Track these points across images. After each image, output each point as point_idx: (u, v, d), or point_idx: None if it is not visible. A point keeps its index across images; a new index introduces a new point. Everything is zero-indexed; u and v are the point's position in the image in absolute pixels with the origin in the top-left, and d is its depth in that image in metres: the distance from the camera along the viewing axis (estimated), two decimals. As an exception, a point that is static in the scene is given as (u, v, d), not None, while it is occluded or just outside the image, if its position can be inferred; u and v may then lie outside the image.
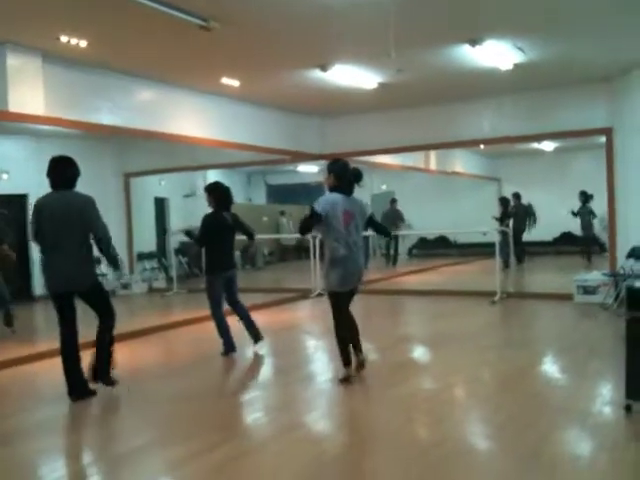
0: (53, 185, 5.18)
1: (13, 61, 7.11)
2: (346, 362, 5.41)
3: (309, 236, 11.93)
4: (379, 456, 3.92)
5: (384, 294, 11.00)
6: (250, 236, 7.02)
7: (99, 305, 5.33)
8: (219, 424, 4.64)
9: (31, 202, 11.48)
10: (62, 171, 5.16)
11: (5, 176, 11.60)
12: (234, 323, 6.87)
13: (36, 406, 5.24)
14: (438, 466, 3.62)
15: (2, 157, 11.55)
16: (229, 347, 6.73)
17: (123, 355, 7.01)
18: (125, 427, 4.74)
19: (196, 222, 15.88)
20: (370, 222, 5.61)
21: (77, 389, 5.18)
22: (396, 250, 16.49)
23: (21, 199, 11.57)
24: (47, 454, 4.25)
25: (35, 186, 11.58)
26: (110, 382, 5.38)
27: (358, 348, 5.61)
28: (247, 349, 6.91)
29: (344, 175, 5.40)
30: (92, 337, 5.38)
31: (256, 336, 6.85)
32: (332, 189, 5.40)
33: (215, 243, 6.65)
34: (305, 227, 5.40)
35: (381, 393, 5.23)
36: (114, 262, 5.36)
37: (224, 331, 6.74)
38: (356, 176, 5.48)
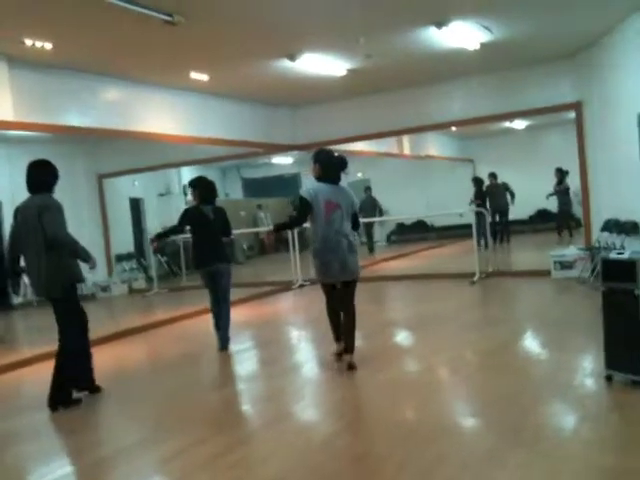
0: (28, 189, 5.11)
1: (-22, 68, 7.01)
2: (335, 338, 5.62)
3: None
4: (368, 439, 3.97)
5: (365, 281, 10.99)
6: (225, 234, 6.85)
7: (59, 318, 5.11)
8: (207, 418, 4.66)
9: (4, 210, 11.48)
10: (33, 175, 5.09)
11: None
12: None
13: (23, 411, 5.21)
14: (425, 445, 3.67)
15: (-29, 165, 11.39)
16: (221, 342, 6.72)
17: (107, 357, 7.01)
18: (114, 427, 4.73)
19: (171, 221, 15.80)
20: (353, 216, 5.47)
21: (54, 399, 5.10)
22: (371, 238, 16.50)
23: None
24: (36, 458, 4.23)
25: (8, 193, 11.57)
26: (71, 402, 5.16)
27: (347, 348, 5.43)
28: (234, 344, 6.89)
29: (329, 164, 5.38)
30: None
31: (222, 343, 6.72)
32: (318, 179, 5.39)
33: (195, 237, 6.71)
34: (297, 218, 5.49)
35: (367, 378, 5.26)
36: (80, 256, 5.06)
37: (215, 326, 6.76)
38: (341, 164, 5.43)
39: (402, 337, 7.18)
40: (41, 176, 5.09)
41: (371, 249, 16.31)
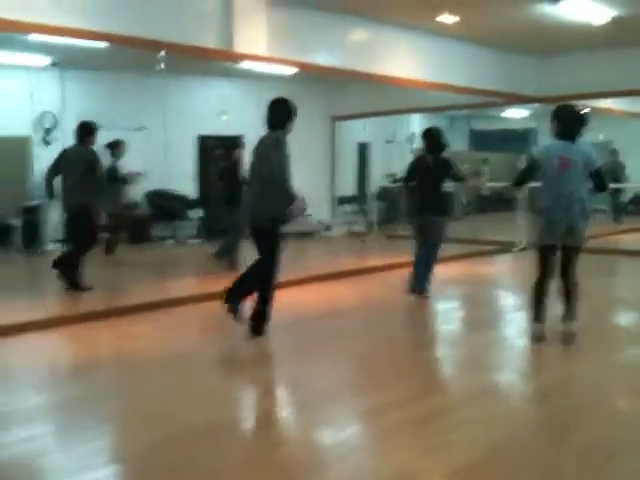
0: (267, 126, 5.33)
1: (240, 1, 7.34)
2: (534, 318, 5.10)
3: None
4: (595, 426, 3.57)
5: (595, 253, 10.06)
6: (459, 180, 7.07)
7: (266, 246, 5.23)
8: (414, 376, 4.54)
9: (246, 143, 12.29)
10: (271, 112, 5.29)
11: (225, 117, 12.27)
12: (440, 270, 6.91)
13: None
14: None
15: (222, 98, 12.27)
16: (411, 287, 6.75)
17: (322, 294, 7.27)
18: (321, 367, 4.75)
19: (395, 169, 15.78)
20: (593, 174, 4.99)
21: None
22: (617, 205, 15.02)
23: (237, 140, 12.24)
24: (245, 385, 4.47)
25: (251, 127, 12.30)
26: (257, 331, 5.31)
27: (565, 315, 5.04)
28: (443, 301, 6.76)
29: (567, 120, 5.02)
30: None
31: (418, 282, 6.74)
32: (556, 136, 5.06)
33: (417, 186, 6.86)
34: (520, 178, 5.33)
35: (592, 360, 4.79)
36: (287, 197, 5.10)
37: (413, 272, 6.78)
38: (581, 120, 5.02)
39: (634, 319, 6.47)
40: (277, 114, 5.28)
41: (617, 218, 14.89)
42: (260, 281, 5.33)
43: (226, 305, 5.35)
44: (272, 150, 5.11)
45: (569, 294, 5.03)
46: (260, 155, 5.22)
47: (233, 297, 5.35)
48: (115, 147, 9.04)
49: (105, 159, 8.91)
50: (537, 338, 5.08)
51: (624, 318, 6.56)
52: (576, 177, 4.88)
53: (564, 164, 4.88)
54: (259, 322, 5.28)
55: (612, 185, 13.18)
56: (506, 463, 3.11)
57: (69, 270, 6.93)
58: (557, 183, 4.91)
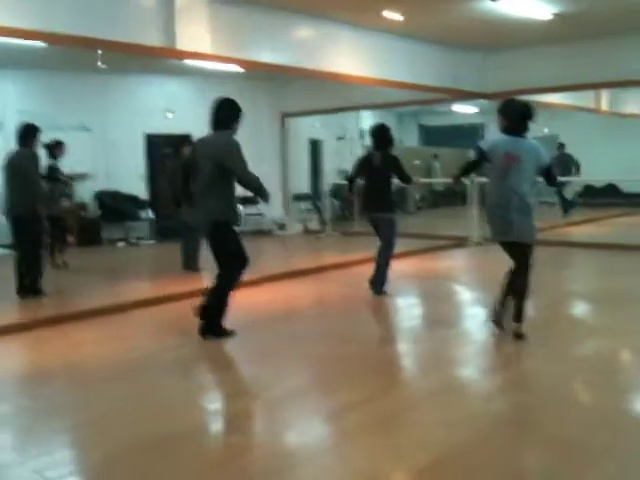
0: (210, 125, 5.20)
1: (181, 0, 7.21)
2: (497, 299, 5.19)
3: (467, 180, 11.43)
4: (557, 420, 3.59)
5: (547, 245, 10.25)
6: (404, 181, 6.89)
7: (217, 250, 5.14)
8: (376, 374, 4.49)
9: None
10: (216, 112, 5.16)
11: (170, 115, 12.04)
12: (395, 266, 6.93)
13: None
14: (624, 436, 3.27)
15: (168, 96, 12.06)
16: (373, 286, 6.77)
17: (278, 294, 7.17)
18: (281, 368, 4.65)
19: (348, 165, 15.78)
20: (544, 170, 5.01)
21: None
22: (564, 198, 15.39)
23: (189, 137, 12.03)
24: (205, 390, 4.40)
25: (197, 126, 12.11)
26: (220, 333, 5.25)
27: (515, 315, 4.99)
28: (401, 297, 6.80)
29: (511, 114, 4.96)
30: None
31: (375, 288, 6.75)
32: (503, 131, 5.00)
33: (365, 183, 6.94)
34: (465, 168, 5.42)
35: (548, 352, 4.81)
36: (257, 192, 5.13)
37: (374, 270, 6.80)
38: (524, 112, 4.92)
39: (589, 311, 6.58)
40: (223, 114, 5.14)
41: (565, 210, 15.23)
42: (218, 289, 5.16)
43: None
44: (223, 152, 4.98)
45: (519, 294, 4.97)
46: (206, 156, 5.06)
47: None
48: (54, 148, 8.74)
49: (44, 160, 8.64)
50: (491, 319, 5.20)
51: (580, 310, 6.67)
52: (519, 173, 4.81)
53: (509, 160, 4.81)
54: (209, 323, 5.17)
55: (560, 178, 13.55)
56: (469, 462, 3.08)
57: (21, 276, 6.78)
58: (499, 179, 4.87)
